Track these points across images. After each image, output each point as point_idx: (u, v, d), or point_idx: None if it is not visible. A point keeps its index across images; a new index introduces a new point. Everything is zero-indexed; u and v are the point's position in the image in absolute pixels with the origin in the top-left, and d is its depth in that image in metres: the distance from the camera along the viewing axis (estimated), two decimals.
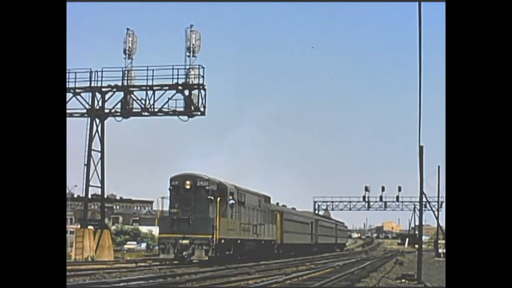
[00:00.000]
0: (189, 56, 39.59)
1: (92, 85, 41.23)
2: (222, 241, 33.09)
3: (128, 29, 41.82)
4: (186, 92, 39.95)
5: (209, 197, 32.68)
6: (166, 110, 40.52)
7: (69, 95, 40.35)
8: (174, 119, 41.24)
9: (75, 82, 40.96)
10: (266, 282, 19.97)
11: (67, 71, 37.74)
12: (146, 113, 41.39)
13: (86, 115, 41.59)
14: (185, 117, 40.33)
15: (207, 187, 32.89)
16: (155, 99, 40.62)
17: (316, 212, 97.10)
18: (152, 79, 40.20)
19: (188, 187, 33.00)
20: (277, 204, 51.07)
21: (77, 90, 41.18)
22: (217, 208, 32.52)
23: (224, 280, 22.05)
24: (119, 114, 41.71)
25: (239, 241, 36.03)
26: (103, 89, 41.45)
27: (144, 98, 40.70)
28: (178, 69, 39.67)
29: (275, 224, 45.78)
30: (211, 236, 32.02)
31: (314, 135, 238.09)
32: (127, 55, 41.08)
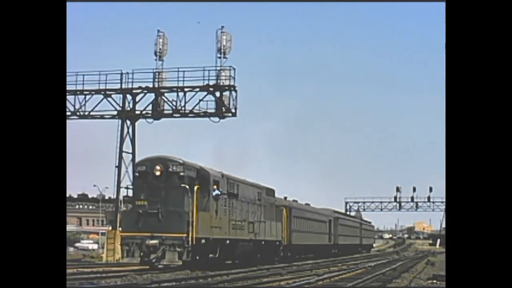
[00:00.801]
0: (220, 58, 39.86)
1: (123, 86, 41.60)
2: (203, 241, 26.01)
3: (158, 30, 42.03)
4: (217, 94, 40.09)
5: (183, 185, 25.56)
6: (198, 111, 40.72)
7: (100, 97, 41.55)
8: (205, 121, 41.53)
9: (105, 84, 41.43)
10: (299, 283, 20.13)
11: (98, 73, 41.05)
12: (177, 115, 41.52)
13: (117, 116, 42.08)
14: (216, 118, 40.44)
15: (181, 173, 25.88)
16: (186, 100, 40.92)
17: (348, 213, 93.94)
18: (183, 81, 40.51)
19: (157, 173, 26.05)
20: (285, 198, 43.82)
21: (108, 92, 41.51)
22: (194, 200, 25.39)
23: (256, 281, 22.16)
24: (150, 115, 41.98)
25: (228, 242, 28.90)
26: (134, 91, 41.75)
27: (175, 99, 41.07)
28: (209, 70, 39.84)
29: (280, 221, 38.60)
30: (185, 235, 24.94)
31: (344, 135, 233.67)
32: (157, 56, 41.36)
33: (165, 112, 41.54)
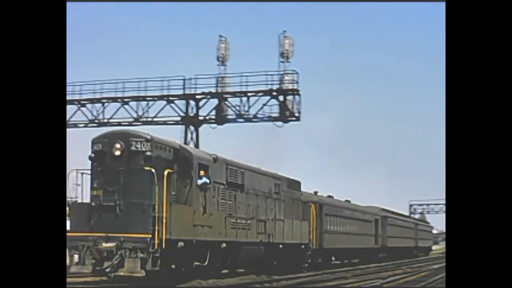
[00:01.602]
0: (282, 62, 39.83)
1: (186, 92, 41.91)
2: (180, 244, 19.37)
3: (220, 36, 42.03)
4: (281, 98, 40.03)
5: (148, 168, 18.90)
6: (261, 116, 40.72)
7: (163, 103, 41.87)
8: (268, 125, 41.50)
9: (168, 89, 41.74)
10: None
11: (160, 79, 41.41)
12: (240, 120, 41.54)
13: (180, 122, 42.28)
14: (280, 123, 40.41)
15: (148, 153, 19.17)
16: (250, 105, 40.96)
17: (412, 215, 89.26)
18: (246, 85, 40.56)
19: (117, 153, 19.27)
20: (315, 193, 36.84)
21: (171, 98, 41.79)
22: (164, 188, 18.77)
23: (319, 284, 22.06)
24: (213, 121, 42.04)
25: (224, 245, 22.22)
26: (198, 96, 41.94)
27: (239, 104, 41.14)
28: (272, 74, 39.89)
29: (307, 220, 31.72)
30: (150, 236, 18.29)
31: (409, 135, 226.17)
32: (220, 61, 41.38)
33: (228, 117, 41.83)
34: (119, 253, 18.28)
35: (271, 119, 40.36)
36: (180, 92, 41.90)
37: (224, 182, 23.19)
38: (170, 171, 19.17)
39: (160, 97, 41.80)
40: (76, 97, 42.36)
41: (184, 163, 20.48)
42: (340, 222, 38.89)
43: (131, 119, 41.51)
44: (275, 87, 39.85)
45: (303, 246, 30.79)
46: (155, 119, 42.07)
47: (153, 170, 18.65)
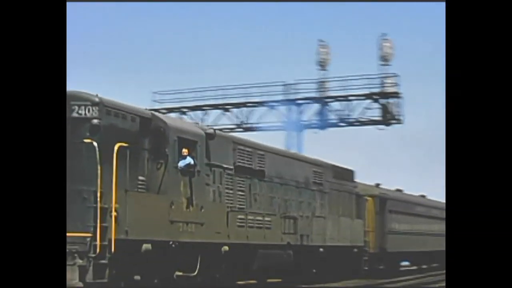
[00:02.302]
0: (383, 65, 39.15)
1: (288, 97, 41.34)
2: (145, 247, 14.04)
3: (320, 40, 41.18)
4: (382, 101, 39.28)
5: (89, 141, 13.41)
6: (363, 120, 40.10)
7: (265, 109, 41.40)
8: (369, 129, 41.30)
9: (268, 95, 41.09)
10: None
11: (262, 85, 40.91)
12: (342, 124, 40.92)
13: (283, 128, 41.65)
14: (382, 126, 39.65)
15: (95, 121, 13.77)
16: (351, 109, 40.09)
17: None
18: (347, 89, 39.95)
19: None
20: (377, 185, 30.77)
21: (272, 103, 41.32)
22: (114, 169, 13.44)
23: None
24: (316, 125, 41.20)
25: (225, 249, 16.74)
26: (299, 101, 41.24)
27: (339, 108, 40.38)
28: (373, 78, 39.23)
29: (362, 218, 25.83)
30: (90, 236, 13.03)
31: None
32: (320, 66, 40.51)
33: (330, 121, 40.85)
34: None
35: (373, 122, 39.86)
36: (281, 97, 41.45)
37: (231, 167, 17.71)
38: (124, 145, 13.77)
39: (261, 103, 41.40)
40: (179, 104, 42.18)
41: (157, 137, 15.10)
42: (411, 221, 32.59)
43: (233, 126, 41.51)
44: (375, 90, 39.14)
45: (355, 250, 24.90)
46: (256, 125, 41.58)
47: (95, 143, 13.31)
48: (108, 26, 75.78)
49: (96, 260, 12.99)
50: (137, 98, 61.97)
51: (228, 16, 77.24)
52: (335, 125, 40.82)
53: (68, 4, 9.37)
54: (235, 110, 41.69)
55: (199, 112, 42.09)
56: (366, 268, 25.73)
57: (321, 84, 40.49)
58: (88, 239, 12.97)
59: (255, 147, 19.32)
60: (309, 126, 41.24)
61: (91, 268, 12.94)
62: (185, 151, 15.50)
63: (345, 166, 25.29)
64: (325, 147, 51.30)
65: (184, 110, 42.04)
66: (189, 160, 15.54)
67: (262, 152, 19.44)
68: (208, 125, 37.12)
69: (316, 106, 40.90)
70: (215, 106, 41.74)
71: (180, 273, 15.47)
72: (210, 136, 16.72)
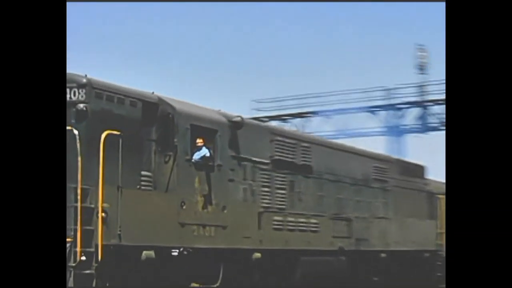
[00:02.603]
0: None
1: (388, 102, 41.21)
2: (148, 255, 11.89)
3: (419, 44, 41.20)
4: None
5: (70, 128, 11.06)
6: None
7: (367, 114, 40.97)
8: None
9: (370, 100, 40.65)
10: None
11: (362, 90, 40.37)
12: (444, 128, 37.84)
13: (383, 133, 41.61)
14: None
15: (81, 106, 11.59)
16: None
17: None
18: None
19: None
20: None
21: (372, 109, 40.94)
22: (100, 161, 11.30)
23: None
24: (417, 130, 40.83)
25: (257, 256, 14.37)
26: (399, 106, 40.90)
27: (441, 112, 39.01)
28: None
29: (434, 218, 22.92)
30: (70, 240, 10.92)
31: None
32: (420, 69, 40.52)
33: (432, 125, 40.17)
34: None
35: None
36: (382, 102, 41.07)
37: (267, 161, 15.31)
38: (115, 132, 11.54)
39: (362, 109, 40.72)
40: (278, 112, 42.26)
41: (165, 125, 12.86)
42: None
43: (333, 133, 40.59)
44: None
45: (427, 255, 21.99)
46: (357, 131, 40.84)
47: (75, 131, 11.14)
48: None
49: (78, 270, 10.84)
50: (238, 107, 60.93)
51: (333, 18, 74.42)
52: (436, 128, 39.93)
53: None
54: (339, 116, 41.17)
55: (299, 119, 41.96)
56: (439, 274, 22.76)
57: (421, 87, 40.23)
58: (68, 244, 10.82)
59: (299, 138, 16.85)
60: (410, 131, 40.83)
61: (71, 279, 10.79)
62: (199, 141, 13.20)
63: (415, 161, 22.49)
64: (426, 151, 49.01)
65: (285, 117, 42.11)
66: (204, 151, 13.22)
67: (307, 144, 16.95)
68: (309, 132, 35.91)
69: (416, 110, 40.44)
70: (314, 113, 41.33)
71: (197, 285, 13.16)
72: (236, 125, 14.37)
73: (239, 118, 14.56)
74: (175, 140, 12.76)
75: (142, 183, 12.42)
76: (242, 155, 14.57)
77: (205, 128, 13.41)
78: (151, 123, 12.83)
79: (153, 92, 13.22)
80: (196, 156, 13.19)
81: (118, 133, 11.51)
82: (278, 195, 15.68)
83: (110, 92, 12.04)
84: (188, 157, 12.95)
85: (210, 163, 13.44)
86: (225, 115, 14.36)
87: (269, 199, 15.31)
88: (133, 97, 12.48)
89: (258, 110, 41.03)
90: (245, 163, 14.70)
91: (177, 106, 13.02)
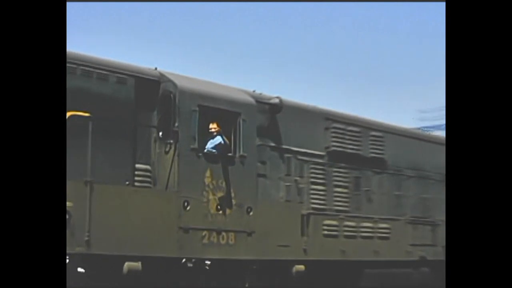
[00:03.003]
0: None
1: None
2: (132, 266, 9.54)
3: None
4: None
5: None
6: None
7: None
8: None
9: None
10: None
11: None
12: None
13: None
14: None
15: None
16: None
17: None
18: None
19: None
20: None
21: None
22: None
23: None
24: None
25: (299, 268, 11.66)
26: None
27: None
28: None
29: None
30: None
31: None
32: None
33: None
34: None
35: None
36: None
37: (321, 153, 12.62)
38: (82, 114, 9.21)
39: None
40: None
41: (167, 106, 10.46)
42: None
43: None
44: None
45: None
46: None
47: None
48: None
49: None
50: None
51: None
52: None
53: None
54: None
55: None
56: None
57: None
58: None
59: (365, 125, 13.93)
60: None
61: None
62: (213, 126, 10.68)
63: None
64: None
65: None
66: (219, 139, 10.69)
67: (378, 134, 14.02)
68: None
69: None
70: None
71: None
72: (273, 108, 11.78)
73: (277, 100, 11.94)
74: (176, 124, 10.30)
75: (137, 178, 10.12)
76: (283, 146, 11.96)
77: (221, 110, 10.87)
78: (151, 105, 10.48)
79: (156, 68, 10.84)
80: (209, 145, 10.69)
81: (87, 114, 9.20)
82: (337, 194, 12.91)
83: (87, 66, 9.76)
84: (194, 146, 10.45)
85: (229, 154, 10.90)
86: (253, 95, 11.75)
87: (323, 199, 12.59)
88: (120, 73, 10.14)
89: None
90: (288, 155, 12.06)
91: (179, 82, 10.55)
